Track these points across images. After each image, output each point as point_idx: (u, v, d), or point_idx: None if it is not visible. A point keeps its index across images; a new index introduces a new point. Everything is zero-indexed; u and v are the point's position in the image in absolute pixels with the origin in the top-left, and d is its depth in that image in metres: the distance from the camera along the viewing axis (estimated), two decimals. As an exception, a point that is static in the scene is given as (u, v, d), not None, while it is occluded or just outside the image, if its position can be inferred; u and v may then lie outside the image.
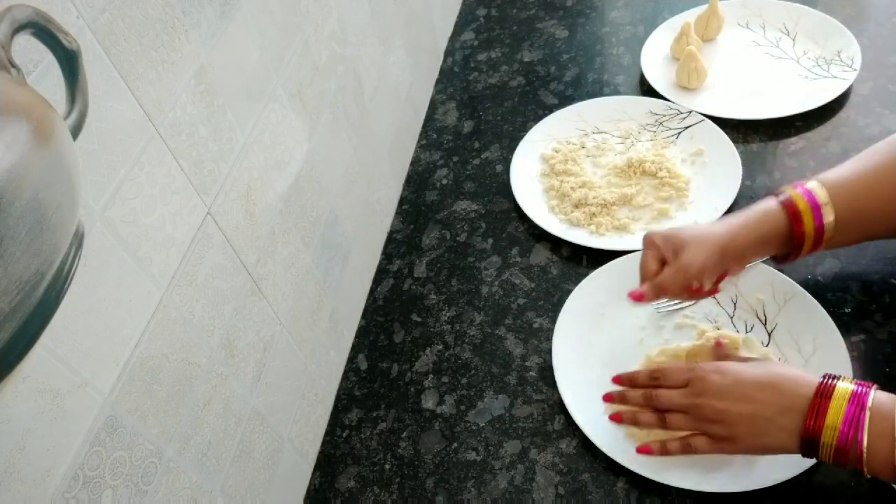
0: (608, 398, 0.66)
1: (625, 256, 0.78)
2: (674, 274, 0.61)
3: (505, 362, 0.74)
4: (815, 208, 0.60)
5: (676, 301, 0.73)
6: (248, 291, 0.58)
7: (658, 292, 0.62)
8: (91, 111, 0.39)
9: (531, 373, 0.73)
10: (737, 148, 0.87)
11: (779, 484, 0.58)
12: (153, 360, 0.46)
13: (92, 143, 0.40)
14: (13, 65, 0.29)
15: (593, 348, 0.72)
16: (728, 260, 0.62)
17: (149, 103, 0.45)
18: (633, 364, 0.69)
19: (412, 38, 1.01)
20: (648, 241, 0.65)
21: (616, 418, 0.64)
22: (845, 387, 0.51)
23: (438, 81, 1.14)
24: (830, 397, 0.50)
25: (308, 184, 0.69)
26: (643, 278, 0.63)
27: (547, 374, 0.72)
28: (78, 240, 0.30)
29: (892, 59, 0.95)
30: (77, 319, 0.39)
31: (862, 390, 0.50)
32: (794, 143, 0.89)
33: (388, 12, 0.91)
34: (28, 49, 0.35)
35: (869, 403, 0.49)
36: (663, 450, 0.60)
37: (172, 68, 0.48)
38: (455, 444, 0.69)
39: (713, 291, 0.65)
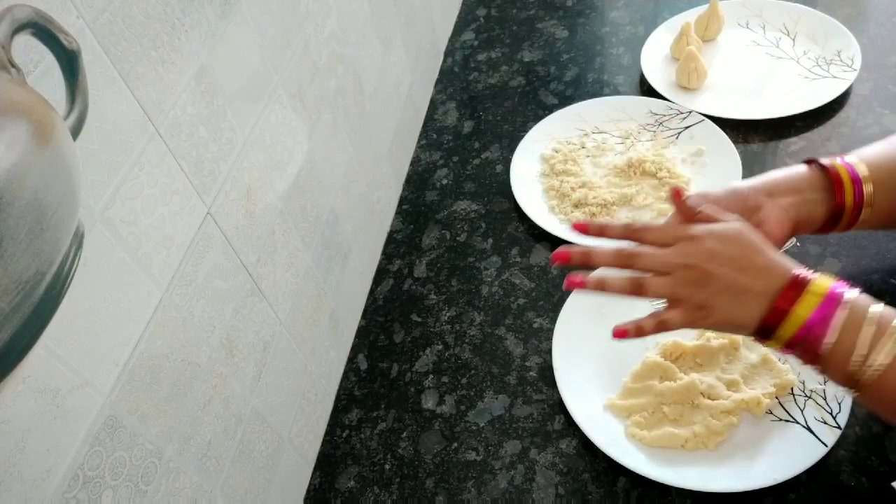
0: (563, 257, 0.58)
1: (625, 256, 0.78)
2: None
3: (505, 362, 0.74)
4: (857, 181, 0.58)
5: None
6: (248, 291, 0.58)
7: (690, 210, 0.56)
8: (91, 111, 0.39)
9: (531, 373, 0.73)
10: (737, 148, 0.87)
11: (779, 484, 0.58)
12: (153, 360, 0.46)
13: (92, 143, 0.40)
14: (13, 65, 0.29)
15: (593, 348, 0.72)
16: (755, 196, 0.58)
17: (149, 103, 0.45)
18: (633, 363, 0.69)
19: (412, 38, 1.01)
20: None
21: (577, 283, 0.57)
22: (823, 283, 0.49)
23: (438, 81, 1.14)
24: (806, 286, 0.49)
25: (308, 184, 0.69)
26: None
27: (547, 374, 0.72)
28: (78, 240, 0.30)
29: (892, 59, 0.95)
30: (77, 319, 0.39)
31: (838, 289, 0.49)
32: (794, 143, 0.89)
33: (388, 12, 0.91)
34: (28, 49, 0.35)
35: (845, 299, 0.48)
36: (638, 330, 0.54)
37: (172, 68, 0.48)
38: (455, 444, 0.69)
39: None
